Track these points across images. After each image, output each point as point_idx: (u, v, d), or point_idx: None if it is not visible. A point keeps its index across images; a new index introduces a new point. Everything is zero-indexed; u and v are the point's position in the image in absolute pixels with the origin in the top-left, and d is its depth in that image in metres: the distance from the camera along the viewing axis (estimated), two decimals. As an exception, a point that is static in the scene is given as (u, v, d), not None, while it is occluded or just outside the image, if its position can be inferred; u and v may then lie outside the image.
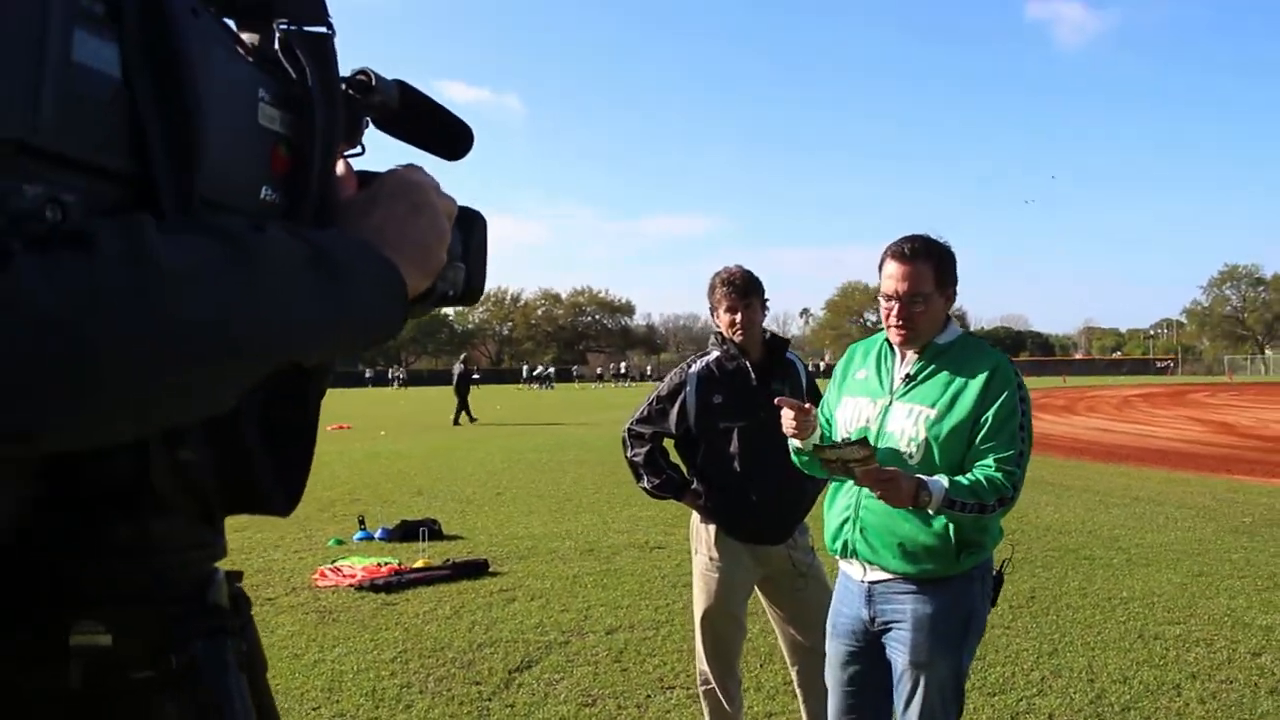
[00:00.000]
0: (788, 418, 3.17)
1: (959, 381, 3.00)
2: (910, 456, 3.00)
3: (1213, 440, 20.43)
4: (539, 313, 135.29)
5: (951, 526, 2.95)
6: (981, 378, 2.97)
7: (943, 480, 2.83)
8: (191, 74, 0.68)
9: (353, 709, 4.84)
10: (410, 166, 0.92)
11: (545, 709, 4.79)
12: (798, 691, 4.17)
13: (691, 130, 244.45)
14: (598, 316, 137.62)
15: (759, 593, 4.16)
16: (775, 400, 3.23)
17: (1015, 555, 8.14)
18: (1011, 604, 6.64)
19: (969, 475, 2.88)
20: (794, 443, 3.26)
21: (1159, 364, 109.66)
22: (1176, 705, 4.80)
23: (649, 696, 4.95)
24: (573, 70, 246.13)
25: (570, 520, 10.48)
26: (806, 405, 3.19)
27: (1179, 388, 56.34)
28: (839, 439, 3.10)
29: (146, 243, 0.59)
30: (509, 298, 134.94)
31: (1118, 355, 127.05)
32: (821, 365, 77.05)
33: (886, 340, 3.20)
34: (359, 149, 0.97)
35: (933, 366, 3.07)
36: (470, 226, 1.02)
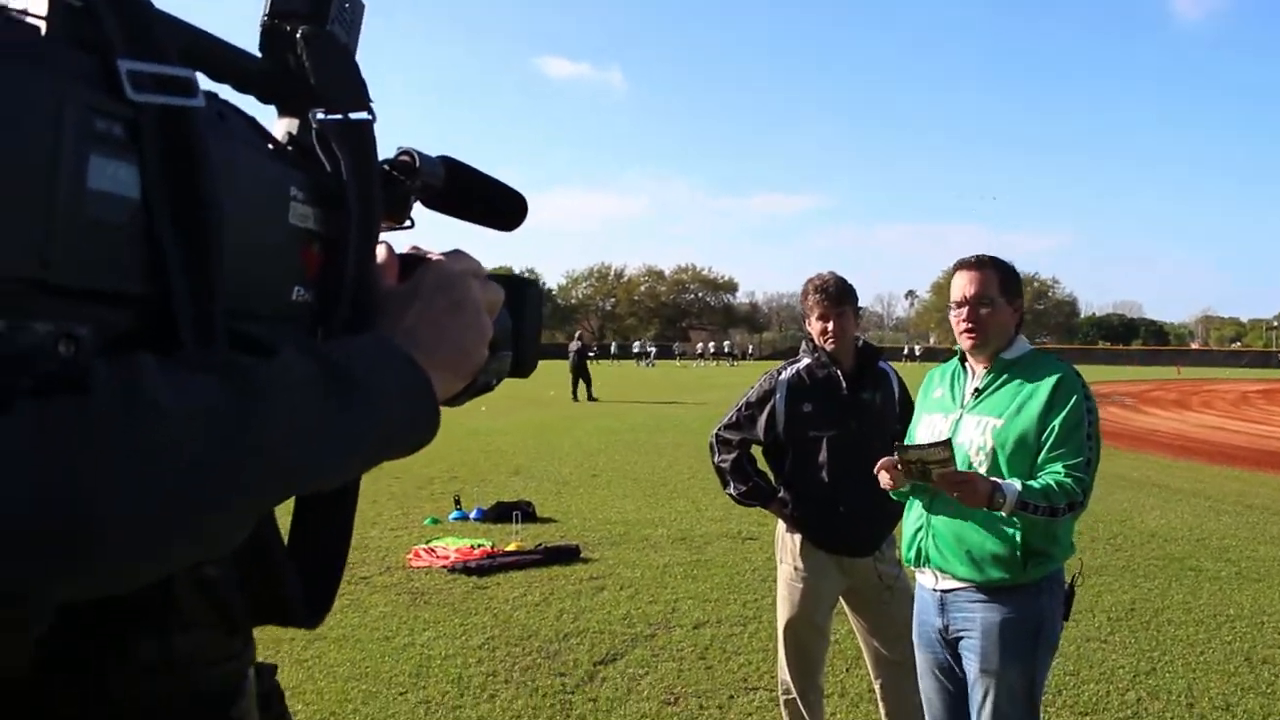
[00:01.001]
0: (884, 479, 3.26)
1: (1025, 391, 3.12)
2: (979, 465, 3.10)
3: (1337, 443, 19.47)
4: (642, 289, 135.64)
5: (1018, 534, 3.03)
6: (1047, 387, 3.08)
7: (1016, 484, 2.94)
8: (214, 187, 0.66)
9: (438, 695, 4.93)
10: (455, 254, 0.88)
11: (627, 705, 4.82)
12: (880, 704, 4.12)
13: (794, 105, 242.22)
14: (700, 294, 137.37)
15: (844, 603, 4.11)
16: (874, 469, 3.27)
17: (1115, 562, 7.93)
18: (1110, 615, 6.45)
19: (1040, 479, 2.97)
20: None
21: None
22: (1281, 736, 4.61)
23: (731, 697, 4.94)
24: (675, 44, 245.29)
25: (664, 506, 10.52)
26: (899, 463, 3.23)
27: (1304, 383, 53.96)
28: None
29: (142, 386, 0.56)
30: (612, 273, 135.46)
31: (1237, 346, 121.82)
32: (919, 350, 75.51)
33: (960, 361, 3.36)
34: (409, 223, 0.94)
35: (1001, 379, 3.20)
36: (523, 300, 0.98)
